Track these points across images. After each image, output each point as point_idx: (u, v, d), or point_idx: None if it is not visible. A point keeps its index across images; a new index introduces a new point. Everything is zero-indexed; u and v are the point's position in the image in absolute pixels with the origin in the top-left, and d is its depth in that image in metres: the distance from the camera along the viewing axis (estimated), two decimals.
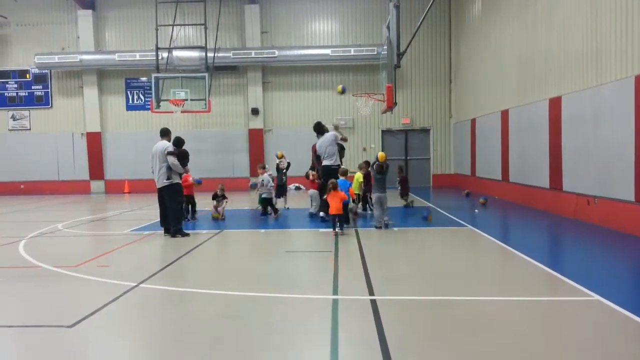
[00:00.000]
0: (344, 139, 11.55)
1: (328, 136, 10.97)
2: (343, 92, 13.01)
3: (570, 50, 10.71)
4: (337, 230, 9.23)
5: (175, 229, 9.34)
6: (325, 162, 10.86)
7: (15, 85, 21.39)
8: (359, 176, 11.72)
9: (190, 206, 11.31)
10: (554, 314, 4.79)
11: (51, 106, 21.39)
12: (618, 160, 9.03)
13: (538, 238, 9.16)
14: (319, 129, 11.28)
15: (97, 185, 21.29)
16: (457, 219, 10.74)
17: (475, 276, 6.28)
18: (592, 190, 9.91)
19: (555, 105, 11.35)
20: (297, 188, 11.86)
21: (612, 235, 8.63)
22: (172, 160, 9.21)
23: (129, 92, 21.27)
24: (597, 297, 5.04)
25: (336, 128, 11.43)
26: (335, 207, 9.16)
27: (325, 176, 10.69)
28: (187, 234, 9.34)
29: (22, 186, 20.94)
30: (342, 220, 9.41)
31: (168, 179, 9.27)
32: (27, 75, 21.31)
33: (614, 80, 9.15)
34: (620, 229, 8.85)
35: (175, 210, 9.37)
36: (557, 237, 9.53)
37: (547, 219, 10.86)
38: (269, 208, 11.72)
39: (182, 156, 9.39)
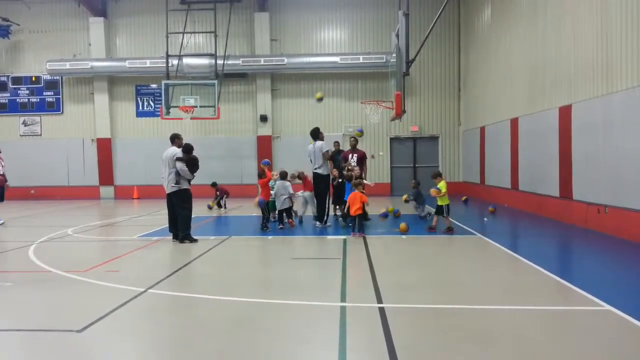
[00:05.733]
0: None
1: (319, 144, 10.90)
2: (321, 100, 13.46)
3: (581, 59, 10.67)
4: (357, 233, 9.64)
5: (183, 234, 9.37)
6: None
7: (27, 91, 21.63)
8: None
9: (267, 213, 10.84)
10: (564, 323, 4.74)
11: (62, 112, 21.62)
12: (629, 169, 8.96)
13: (548, 247, 9.08)
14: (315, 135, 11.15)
15: (106, 191, 21.42)
16: (466, 227, 10.69)
17: (485, 285, 6.23)
18: (603, 199, 9.83)
19: (565, 113, 11.29)
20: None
21: (623, 245, 8.54)
22: (181, 166, 9.26)
23: (139, 99, 21.44)
24: (608, 307, 4.99)
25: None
26: (355, 208, 9.63)
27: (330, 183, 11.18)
28: (196, 240, 9.35)
29: (32, 191, 21.12)
30: (361, 221, 9.86)
31: (177, 184, 9.32)
32: (38, 81, 21.58)
33: (624, 88, 9.09)
34: (631, 238, 8.76)
35: (184, 215, 9.39)
36: (567, 246, 9.45)
37: (556, 227, 10.77)
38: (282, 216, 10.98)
39: (192, 163, 9.41)
